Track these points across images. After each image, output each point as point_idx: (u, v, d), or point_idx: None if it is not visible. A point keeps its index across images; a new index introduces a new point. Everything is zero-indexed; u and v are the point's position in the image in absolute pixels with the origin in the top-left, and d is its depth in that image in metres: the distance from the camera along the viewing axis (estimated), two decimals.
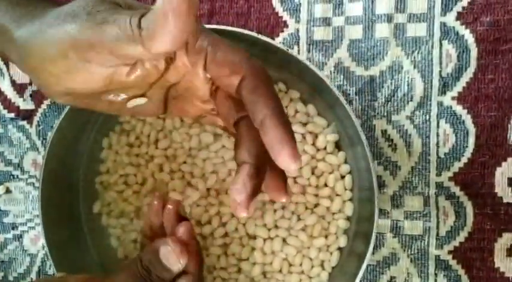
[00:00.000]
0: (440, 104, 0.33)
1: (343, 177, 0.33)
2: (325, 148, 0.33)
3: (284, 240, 0.33)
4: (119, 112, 0.25)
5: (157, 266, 0.27)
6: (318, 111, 0.33)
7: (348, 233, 0.33)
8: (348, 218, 0.33)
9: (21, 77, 0.40)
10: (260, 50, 0.30)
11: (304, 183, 0.32)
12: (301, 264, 0.33)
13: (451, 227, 0.33)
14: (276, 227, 0.33)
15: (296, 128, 0.32)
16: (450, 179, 0.33)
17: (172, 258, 0.27)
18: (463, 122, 0.33)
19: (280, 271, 0.33)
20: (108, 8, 0.21)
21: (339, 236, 0.33)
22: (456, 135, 0.33)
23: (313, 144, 0.33)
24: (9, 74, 0.40)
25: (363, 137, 0.28)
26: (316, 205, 0.33)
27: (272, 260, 0.33)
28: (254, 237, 0.34)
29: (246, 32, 0.29)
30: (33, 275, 0.40)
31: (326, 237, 0.33)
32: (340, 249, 0.33)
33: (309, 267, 0.33)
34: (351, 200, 0.32)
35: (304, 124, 0.33)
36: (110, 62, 0.21)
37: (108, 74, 0.22)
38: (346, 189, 0.32)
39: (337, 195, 0.33)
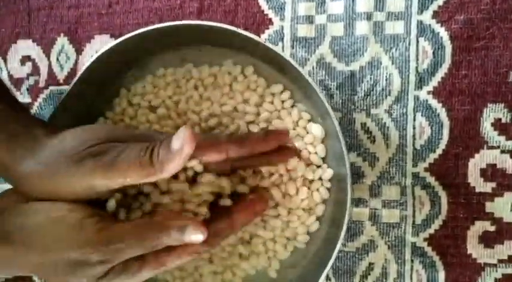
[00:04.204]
0: (416, 98, 0.34)
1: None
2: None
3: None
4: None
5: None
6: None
7: (323, 220, 0.34)
8: (323, 201, 0.34)
9: (18, 71, 0.41)
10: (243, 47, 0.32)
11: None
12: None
13: (427, 215, 0.35)
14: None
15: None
16: (426, 169, 0.34)
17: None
18: (438, 115, 0.34)
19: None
20: (107, 147, 0.27)
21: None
22: (431, 128, 0.34)
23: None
24: (7, 68, 0.41)
25: (339, 131, 0.30)
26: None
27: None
28: None
29: (231, 28, 0.31)
30: None
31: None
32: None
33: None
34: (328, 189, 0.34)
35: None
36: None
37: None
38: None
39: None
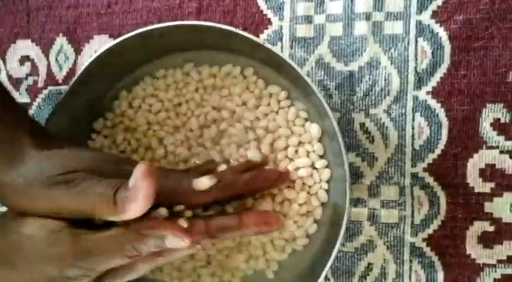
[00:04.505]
0: (415, 98, 0.34)
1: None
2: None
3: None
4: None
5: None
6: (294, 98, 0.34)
7: (321, 221, 0.34)
8: (322, 204, 0.34)
9: (17, 71, 0.41)
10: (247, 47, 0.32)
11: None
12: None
13: (425, 215, 0.35)
14: None
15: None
16: (424, 169, 0.34)
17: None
18: (437, 115, 0.34)
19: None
20: (82, 177, 0.26)
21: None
22: (430, 128, 0.34)
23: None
24: (6, 69, 0.41)
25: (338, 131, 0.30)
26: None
27: None
28: None
29: (230, 28, 0.31)
30: None
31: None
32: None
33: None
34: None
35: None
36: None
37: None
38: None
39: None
